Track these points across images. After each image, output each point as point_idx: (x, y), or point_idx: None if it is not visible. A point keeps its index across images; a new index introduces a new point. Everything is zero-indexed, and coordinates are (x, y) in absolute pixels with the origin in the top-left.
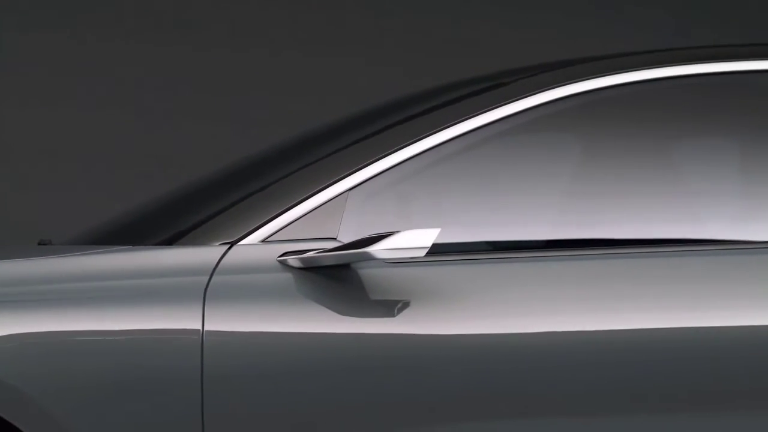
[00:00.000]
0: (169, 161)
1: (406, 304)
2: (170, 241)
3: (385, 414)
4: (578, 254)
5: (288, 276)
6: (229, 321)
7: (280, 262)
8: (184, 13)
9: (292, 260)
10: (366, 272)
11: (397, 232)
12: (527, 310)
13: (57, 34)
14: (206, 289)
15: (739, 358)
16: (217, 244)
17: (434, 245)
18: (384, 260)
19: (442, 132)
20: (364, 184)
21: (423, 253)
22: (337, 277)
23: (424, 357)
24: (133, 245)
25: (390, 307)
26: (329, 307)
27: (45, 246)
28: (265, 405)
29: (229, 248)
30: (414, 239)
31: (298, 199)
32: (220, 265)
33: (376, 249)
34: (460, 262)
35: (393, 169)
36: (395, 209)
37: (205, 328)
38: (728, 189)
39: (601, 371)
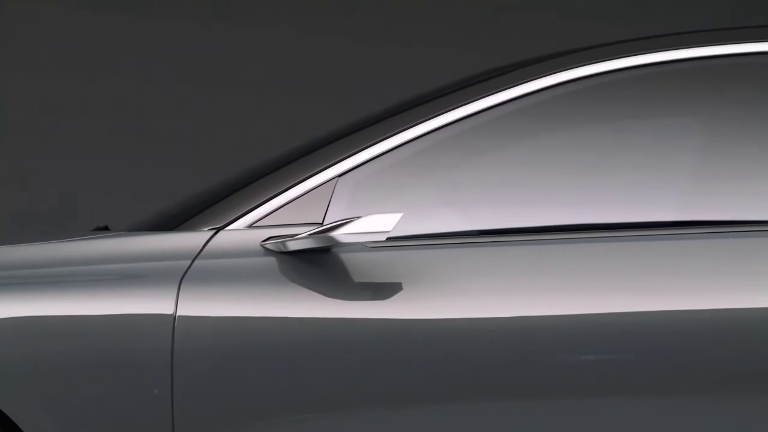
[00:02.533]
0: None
1: (386, 288)
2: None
3: (366, 397)
4: (564, 238)
5: (270, 260)
6: (204, 304)
7: (263, 246)
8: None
9: (270, 245)
10: (347, 256)
11: (359, 217)
12: (511, 293)
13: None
14: (185, 273)
15: (720, 342)
16: (206, 229)
17: (420, 231)
18: (364, 244)
19: (430, 121)
20: (353, 170)
21: (384, 237)
22: (317, 261)
23: (406, 341)
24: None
25: (370, 291)
26: (308, 291)
27: (98, 231)
28: (235, 387)
29: (215, 233)
30: (375, 224)
31: (287, 185)
32: (204, 250)
33: (339, 233)
34: (443, 246)
35: (381, 156)
36: (383, 196)
37: (178, 312)
38: (713, 170)
39: (586, 355)
